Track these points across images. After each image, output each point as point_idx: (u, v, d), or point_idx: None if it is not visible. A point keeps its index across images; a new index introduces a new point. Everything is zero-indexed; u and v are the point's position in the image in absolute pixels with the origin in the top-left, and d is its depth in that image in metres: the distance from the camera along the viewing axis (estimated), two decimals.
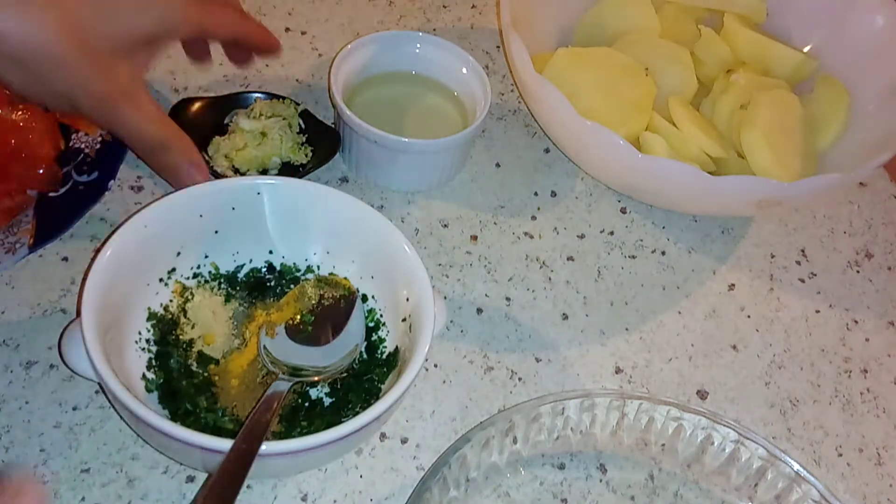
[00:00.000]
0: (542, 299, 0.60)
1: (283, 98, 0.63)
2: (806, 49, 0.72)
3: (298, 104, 0.63)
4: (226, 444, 0.39)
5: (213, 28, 0.53)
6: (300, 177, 0.58)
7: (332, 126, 0.63)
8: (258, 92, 0.63)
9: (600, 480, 0.52)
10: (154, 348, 0.49)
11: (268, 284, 0.53)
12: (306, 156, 0.61)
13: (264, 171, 0.60)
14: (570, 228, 0.64)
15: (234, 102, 0.63)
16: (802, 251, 0.67)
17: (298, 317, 0.51)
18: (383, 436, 0.51)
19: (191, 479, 0.47)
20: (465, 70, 0.64)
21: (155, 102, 0.49)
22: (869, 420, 0.58)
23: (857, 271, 0.67)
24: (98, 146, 0.56)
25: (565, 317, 0.59)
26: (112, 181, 0.54)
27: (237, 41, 0.56)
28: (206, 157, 0.59)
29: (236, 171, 0.59)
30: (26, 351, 0.51)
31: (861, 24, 0.69)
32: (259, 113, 0.61)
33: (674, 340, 0.59)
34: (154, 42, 0.50)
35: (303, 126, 0.62)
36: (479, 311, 0.58)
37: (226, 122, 0.62)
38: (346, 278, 0.52)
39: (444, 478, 0.46)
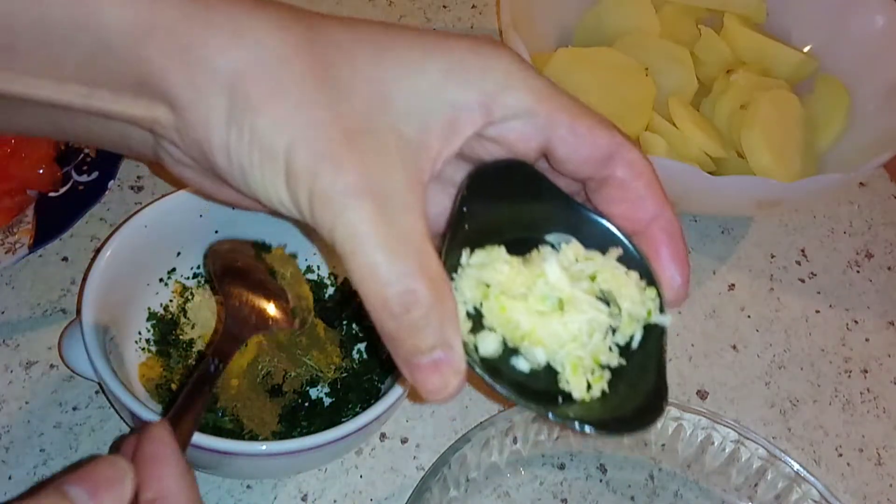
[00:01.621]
0: None
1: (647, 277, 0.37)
2: (806, 49, 0.72)
3: (660, 295, 0.36)
4: (225, 444, 0.39)
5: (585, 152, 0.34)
6: None
7: (659, 384, 0.37)
8: None
9: (600, 480, 0.52)
10: (154, 348, 0.49)
11: None
12: (603, 392, 0.36)
13: None
14: None
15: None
16: (802, 251, 0.67)
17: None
18: (383, 436, 0.51)
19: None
20: None
21: (422, 226, 0.31)
22: (869, 420, 0.58)
23: (857, 271, 0.67)
24: None
25: None
26: (112, 181, 0.54)
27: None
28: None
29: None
30: (26, 351, 0.51)
31: (861, 24, 0.69)
32: None
33: (674, 340, 0.59)
34: (461, 128, 0.32)
35: (630, 344, 0.36)
36: None
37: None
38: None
39: (444, 478, 0.46)
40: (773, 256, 0.66)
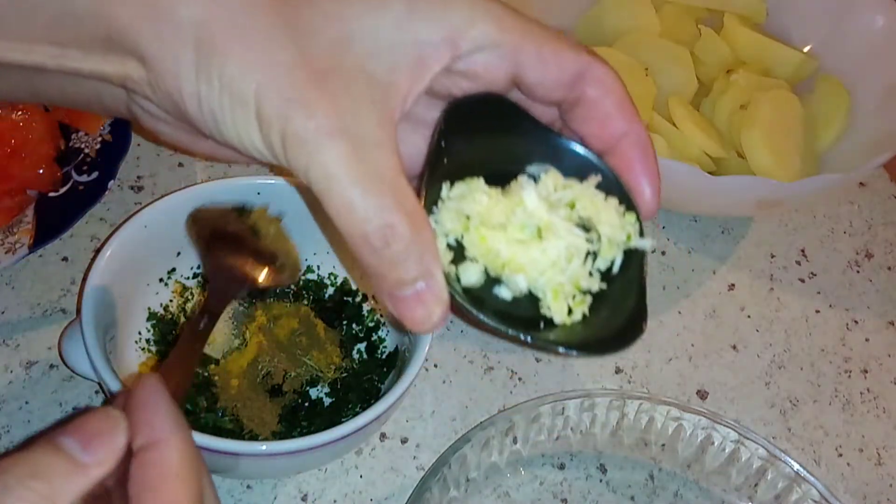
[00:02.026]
0: None
1: (625, 202, 0.37)
2: (806, 49, 0.72)
3: (639, 219, 0.37)
4: (225, 444, 0.39)
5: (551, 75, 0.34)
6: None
7: (640, 306, 0.37)
8: None
9: (600, 480, 0.52)
10: (154, 348, 0.49)
11: None
12: (583, 315, 0.36)
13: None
14: None
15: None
16: (802, 251, 0.67)
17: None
18: (383, 436, 0.51)
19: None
20: None
21: (395, 161, 0.31)
22: (869, 420, 0.58)
23: (857, 271, 0.67)
24: (98, 146, 0.56)
25: None
26: (112, 181, 0.54)
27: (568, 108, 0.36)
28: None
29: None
30: (26, 351, 0.51)
31: (861, 24, 0.69)
32: None
33: (674, 340, 0.59)
34: (429, 64, 0.32)
35: (611, 269, 0.37)
36: None
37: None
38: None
39: (444, 478, 0.46)
40: (773, 256, 0.66)
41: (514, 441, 0.50)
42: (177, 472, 0.28)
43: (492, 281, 0.35)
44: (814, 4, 0.71)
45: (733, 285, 0.64)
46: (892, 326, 0.64)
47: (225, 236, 0.45)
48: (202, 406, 0.47)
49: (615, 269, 0.36)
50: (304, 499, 0.48)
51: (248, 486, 0.48)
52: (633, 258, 0.37)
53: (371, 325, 0.52)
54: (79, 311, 0.42)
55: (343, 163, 0.30)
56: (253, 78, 0.30)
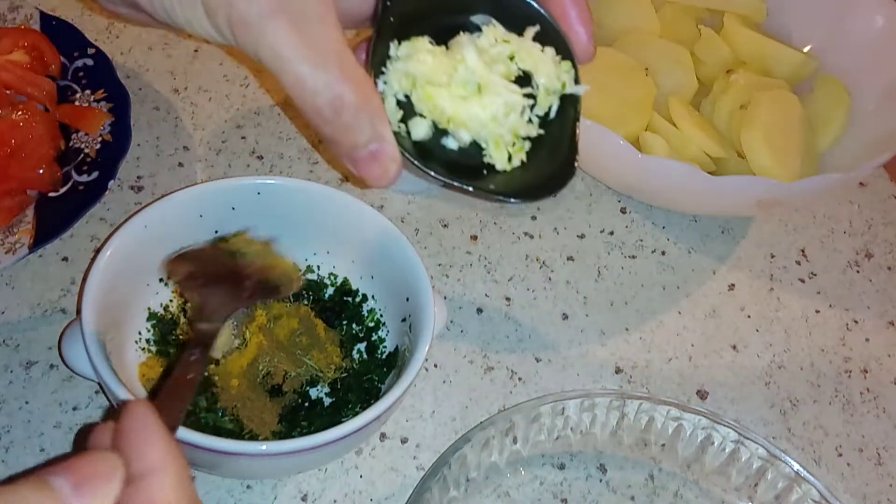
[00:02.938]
0: (542, 299, 0.60)
1: (563, 51, 0.39)
2: (806, 49, 0.72)
3: (575, 67, 0.40)
4: (225, 443, 0.39)
5: None
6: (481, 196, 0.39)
7: (573, 147, 0.40)
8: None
9: (600, 480, 0.52)
10: (154, 348, 0.49)
11: None
12: (522, 162, 0.39)
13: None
14: (570, 228, 0.64)
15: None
16: (802, 251, 0.67)
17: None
18: (383, 436, 0.51)
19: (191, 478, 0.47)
20: None
21: (337, 34, 0.33)
22: (869, 420, 0.58)
23: (857, 271, 0.67)
24: (98, 146, 0.56)
25: (565, 317, 0.59)
26: (112, 181, 0.54)
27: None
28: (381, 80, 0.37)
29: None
30: (26, 351, 0.51)
31: (861, 24, 0.69)
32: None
33: (674, 340, 0.59)
34: None
35: (549, 114, 0.40)
36: (479, 311, 0.58)
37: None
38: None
39: (444, 478, 0.46)
40: (773, 256, 0.66)
41: (514, 441, 0.50)
42: None
43: (440, 132, 0.38)
44: (814, 4, 0.71)
45: (733, 285, 0.64)
46: (892, 326, 0.64)
47: (199, 270, 0.44)
48: (202, 406, 0.47)
49: (552, 114, 0.39)
50: (304, 499, 0.48)
51: (248, 486, 0.48)
52: (569, 103, 0.39)
53: (371, 325, 0.52)
54: (79, 311, 0.42)
55: (289, 42, 0.32)
56: None
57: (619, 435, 0.52)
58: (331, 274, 0.53)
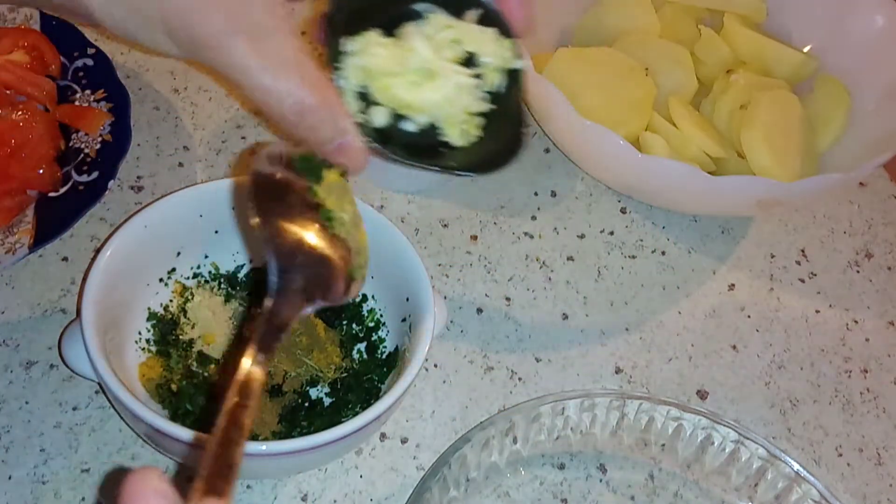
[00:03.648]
0: (542, 299, 0.60)
1: (503, 29, 0.42)
2: (806, 49, 0.72)
3: (519, 55, 0.43)
4: None
5: None
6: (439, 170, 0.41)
7: (521, 118, 0.43)
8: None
9: (600, 480, 0.52)
10: (154, 348, 0.49)
11: None
12: (478, 137, 0.41)
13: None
14: (570, 228, 0.64)
15: None
16: (802, 251, 0.67)
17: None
18: (383, 436, 0.51)
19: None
20: None
21: (293, 42, 0.36)
22: (869, 420, 0.58)
23: (857, 271, 0.67)
24: (98, 146, 0.56)
25: (565, 317, 0.59)
26: (112, 181, 0.54)
27: None
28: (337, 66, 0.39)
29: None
30: (26, 351, 0.51)
31: (861, 24, 0.69)
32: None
33: (674, 340, 0.59)
34: None
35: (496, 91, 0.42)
36: (479, 311, 0.58)
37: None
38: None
39: (444, 478, 0.46)
40: (773, 256, 0.66)
41: (514, 441, 0.50)
42: None
43: (399, 117, 0.40)
44: (814, 4, 0.71)
45: (733, 285, 0.64)
46: (892, 326, 0.64)
47: (291, 226, 0.37)
48: (202, 406, 0.47)
49: (501, 89, 0.42)
50: (304, 499, 0.48)
51: (248, 486, 0.48)
52: (514, 77, 0.42)
53: (371, 325, 0.52)
54: (79, 311, 0.42)
55: (248, 56, 0.35)
56: (155, 2, 0.34)
57: (619, 435, 0.52)
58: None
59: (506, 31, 0.42)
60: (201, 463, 0.29)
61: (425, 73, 0.40)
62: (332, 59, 0.39)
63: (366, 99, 0.39)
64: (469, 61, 0.41)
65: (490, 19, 0.42)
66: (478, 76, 0.41)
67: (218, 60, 0.35)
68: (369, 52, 0.39)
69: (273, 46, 0.35)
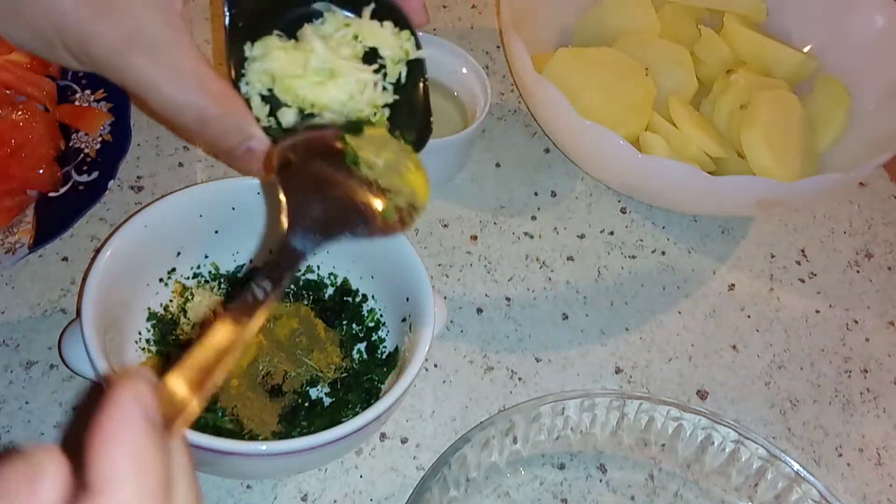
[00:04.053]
0: (542, 299, 0.60)
1: (401, 21, 0.44)
2: (806, 49, 0.72)
3: (414, 33, 0.44)
4: (225, 443, 0.39)
5: None
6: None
7: (426, 105, 0.44)
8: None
9: (600, 480, 0.52)
10: (154, 348, 0.49)
11: None
12: (386, 129, 0.43)
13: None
14: (570, 228, 0.64)
15: None
16: (802, 251, 0.67)
17: None
18: (383, 436, 0.51)
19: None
20: (464, 70, 0.64)
21: (191, 53, 0.37)
22: (869, 420, 0.58)
23: (857, 271, 0.67)
24: (98, 146, 0.56)
25: (565, 317, 0.59)
26: (112, 181, 0.54)
27: None
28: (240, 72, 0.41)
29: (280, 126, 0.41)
30: (26, 351, 0.51)
31: (861, 24, 0.69)
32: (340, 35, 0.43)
33: (674, 340, 0.59)
34: None
35: (399, 81, 0.44)
36: (479, 311, 0.58)
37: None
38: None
39: (444, 478, 0.46)
40: (773, 256, 0.66)
41: (514, 441, 0.50)
42: None
43: (307, 115, 0.41)
44: (814, 4, 0.71)
45: (733, 285, 0.64)
46: (892, 326, 0.64)
47: (309, 168, 0.38)
48: (202, 406, 0.47)
49: (402, 80, 0.43)
50: (304, 499, 0.48)
51: (248, 486, 0.48)
52: (415, 67, 0.44)
53: (371, 325, 0.52)
54: (79, 311, 0.42)
55: (146, 70, 0.35)
56: (50, 24, 0.35)
57: (619, 435, 0.52)
58: (331, 274, 0.53)
59: (404, 22, 0.43)
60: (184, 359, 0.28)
61: (327, 73, 0.41)
62: (235, 65, 0.41)
63: (272, 102, 0.41)
64: (370, 56, 0.43)
65: (388, 12, 0.43)
66: (381, 69, 0.43)
67: (118, 76, 0.36)
68: (270, 56, 0.41)
69: (170, 60, 0.36)
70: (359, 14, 0.43)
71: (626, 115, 0.62)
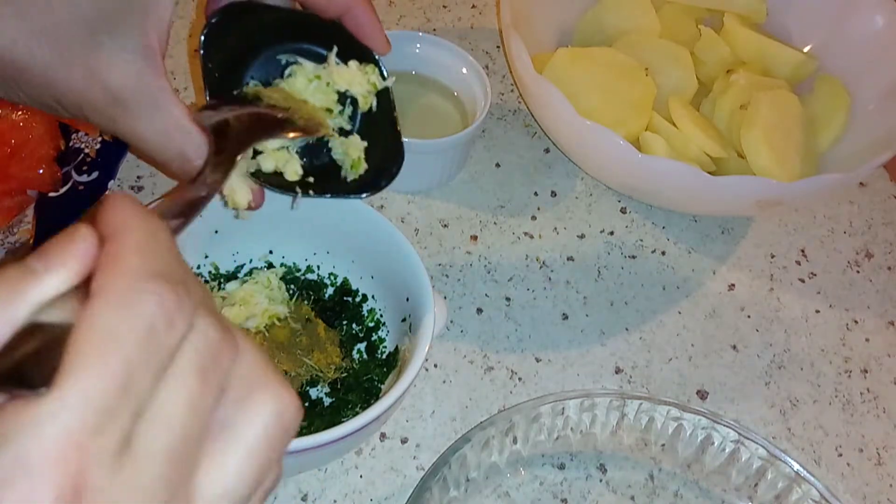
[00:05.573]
0: (542, 299, 0.60)
1: (365, 55, 0.47)
2: (806, 49, 0.72)
3: (384, 75, 0.48)
4: None
5: None
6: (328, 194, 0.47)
7: (398, 133, 0.49)
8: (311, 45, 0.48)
9: (600, 480, 0.52)
10: None
11: None
12: (362, 157, 0.48)
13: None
14: (570, 228, 0.64)
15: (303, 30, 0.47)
16: (802, 251, 0.67)
17: None
18: (383, 436, 0.51)
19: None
20: (465, 70, 0.64)
21: (175, 110, 0.40)
22: (869, 420, 0.58)
23: (857, 271, 0.67)
24: (98, 146, 0.56)
25: (565, 317, 0.59)
26: (112, 181, 0.54)
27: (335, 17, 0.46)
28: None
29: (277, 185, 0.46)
30: None
31: (861, 24, 0.69)
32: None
33: (674, 340, 0.59)
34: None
35: (371, 110, 0.48)
36: (479, 311, 0.58)
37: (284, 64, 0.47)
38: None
39: (444, 478, 0.46)
40: (773, 256, 0.66)
41: (514, 441, 0.50)
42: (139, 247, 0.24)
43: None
44: (814, 4, 0.71)
45: (733, 285, 0.64)
46: (892, 326, 0.64)
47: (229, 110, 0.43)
48: None
49: (374, 109, 0.47)
50: (304, 499, 0.48)
51: None
52: (384, 95, 0.48)
53: (371, 325, 0.52)
54: None
55: (133, 126, 0.39)
56: (48, 92, 0.38)
57: (619, 435, 0.52)
58: (331, 274, 0.53)
59: (367, 56, 0.47)
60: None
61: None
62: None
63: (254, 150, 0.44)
64: (343, 95, 0.47)
65: (350, 50, 0.46)
66: (353, 104, 0.47)
67: (109, 127, 0.40)
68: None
69: (156, 119, 0.39)
70: (322, 48, 0.46)
71: (626, 115, 0.62)
